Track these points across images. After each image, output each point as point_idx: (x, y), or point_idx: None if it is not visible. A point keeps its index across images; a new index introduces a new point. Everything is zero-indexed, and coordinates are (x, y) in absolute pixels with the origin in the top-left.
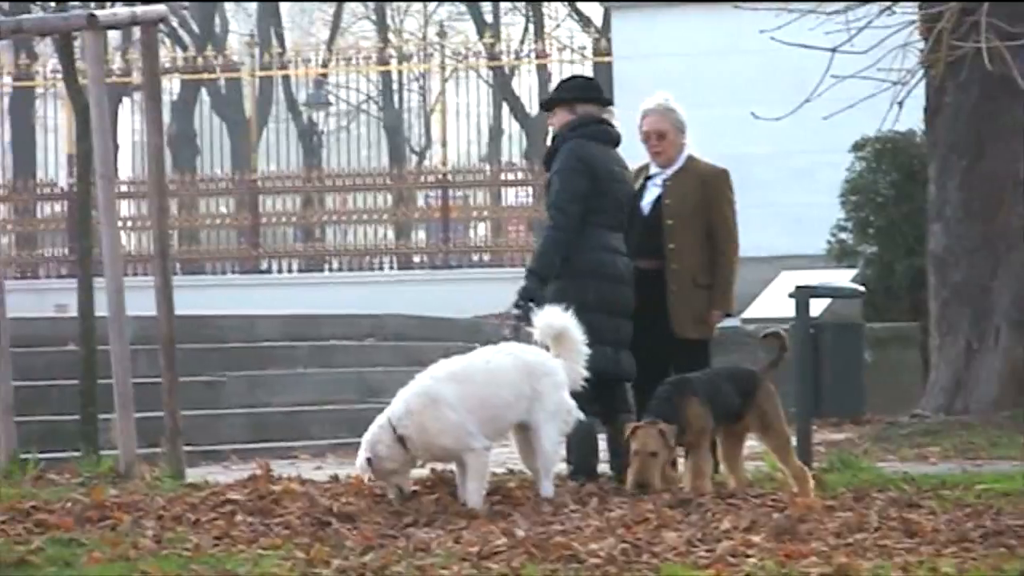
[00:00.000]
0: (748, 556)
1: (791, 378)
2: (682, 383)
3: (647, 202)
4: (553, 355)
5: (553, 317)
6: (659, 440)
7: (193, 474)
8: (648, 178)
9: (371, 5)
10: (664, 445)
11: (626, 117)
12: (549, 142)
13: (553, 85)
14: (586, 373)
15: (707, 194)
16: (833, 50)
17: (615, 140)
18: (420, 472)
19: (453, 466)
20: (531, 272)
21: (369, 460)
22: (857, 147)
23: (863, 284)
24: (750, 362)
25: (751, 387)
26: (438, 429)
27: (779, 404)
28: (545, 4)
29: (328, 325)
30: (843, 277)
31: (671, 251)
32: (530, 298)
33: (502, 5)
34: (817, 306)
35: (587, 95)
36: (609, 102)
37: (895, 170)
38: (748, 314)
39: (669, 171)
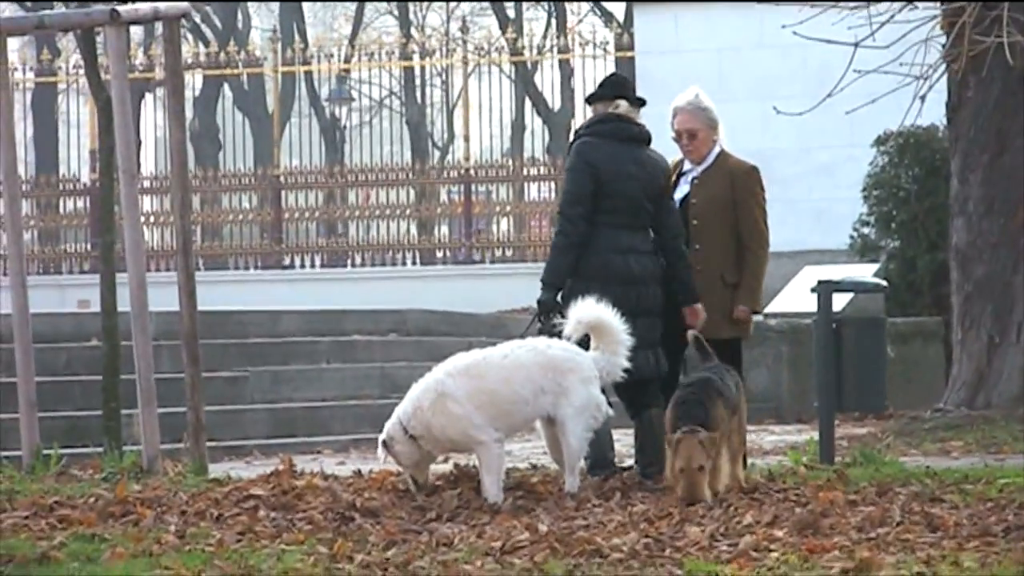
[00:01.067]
0: (771, 550)
1: (813, 373)
2: (707, 384)
3: (676, 199)
4: (593, 347)
5: (582, 313)
6: (702, 452)
7: (216, 470)
8: (681, 174)
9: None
10: (707, 456)
11: (648, 112)
12: (571, 139)
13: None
14: (626, 363)
15: (735, 192)
16: (856, 45)
17: (635, 137)
18: (443, 467)
19: (476, 461)
20: (543, 283)
21: (384, 443)
22: (879, 142)
23: (885, 279)
24: (772, 357)
25: (737, 384)
26: (442, 423)
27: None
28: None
29: (351, 320)
30: (865, 272)
31: (696, 251)
32: (548, 310)
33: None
34: (839, 301)
35: (600, 95)
36: (642, 102)
37: (917, 165)
38: (771, 308)
39: (699, 169)
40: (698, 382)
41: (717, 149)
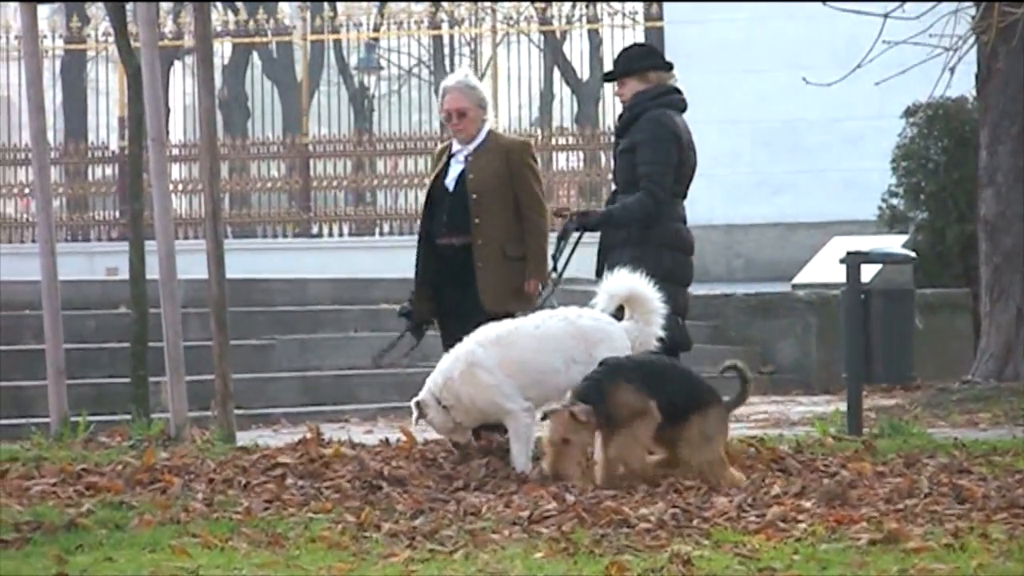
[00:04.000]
0: (798, 521)
1: (841, 344)
2: (615, 368)
3: (451, 179)
4: (627, 317)
5: (614, 286)
6: (571, 426)
7: (243, 437)
8: (451, 156)
9: None
10: (575, 431)
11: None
12: (624, 111)
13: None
14: (660, 333)
15: (510, 166)
16: (885, 16)
17: (684, 109)
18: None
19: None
20: (609, 214)
21: (418, 404)
22: (909, 113)
23: (914, 250)
24: (801, 328)
25: (700, 402)
26: (471, 393)
27: (718, 443)
28: None
29: (378, 289)
30: (894, 243)
31: (476, 226)
32: (583, 226)
33: None
34: (868, 272)
35: (656, 63)
36: (671, 66)
37: (947, 136)
38: (799, 279)
39: (471, 147)
40: (610, 365)
41: (486, 128)
